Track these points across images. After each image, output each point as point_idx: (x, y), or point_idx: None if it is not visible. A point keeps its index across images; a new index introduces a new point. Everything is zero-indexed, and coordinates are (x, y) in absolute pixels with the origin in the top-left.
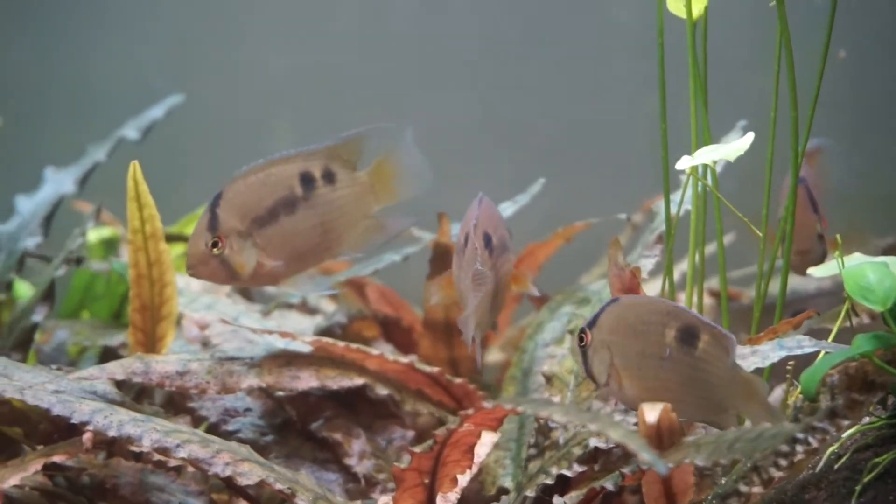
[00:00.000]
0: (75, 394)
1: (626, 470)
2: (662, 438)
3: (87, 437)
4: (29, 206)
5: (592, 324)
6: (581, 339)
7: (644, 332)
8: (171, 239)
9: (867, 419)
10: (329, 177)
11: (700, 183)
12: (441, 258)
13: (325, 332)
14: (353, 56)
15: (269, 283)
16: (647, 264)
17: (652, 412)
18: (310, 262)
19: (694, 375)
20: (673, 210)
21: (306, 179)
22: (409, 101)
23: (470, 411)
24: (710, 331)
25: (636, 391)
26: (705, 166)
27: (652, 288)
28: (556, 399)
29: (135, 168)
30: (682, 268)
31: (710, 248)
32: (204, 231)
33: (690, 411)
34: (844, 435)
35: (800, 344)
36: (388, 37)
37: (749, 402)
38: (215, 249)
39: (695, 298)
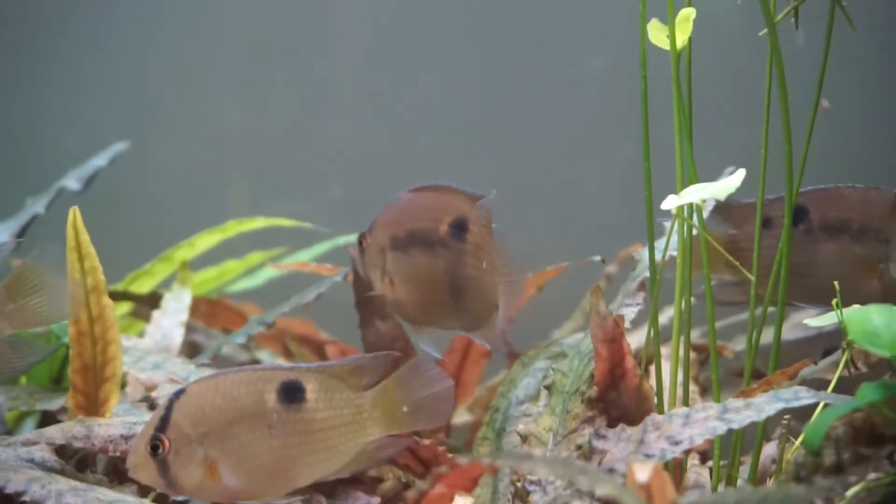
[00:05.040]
0: (11, 461)
1: None
2: (654, 500)
3: None
4: None
5: (164, 426)
6: (156, 449)
7: (241, 409)
8: (115, 297)
9: (874, 475)
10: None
11: (686, 225)
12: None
13: None
14: (325, 115)
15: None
16: (629, 313)
17: (643, 470)
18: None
19: (311, 429)
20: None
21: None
22: (403, 164)
23: (443, 468)
24: (314, 375)
25: (243, 478)
26: (691, 207)
27: (634, 338)
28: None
29: (74, 214)
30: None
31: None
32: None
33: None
34: (850, 493)
35: (797, 395)
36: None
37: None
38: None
39: (681, 352)
